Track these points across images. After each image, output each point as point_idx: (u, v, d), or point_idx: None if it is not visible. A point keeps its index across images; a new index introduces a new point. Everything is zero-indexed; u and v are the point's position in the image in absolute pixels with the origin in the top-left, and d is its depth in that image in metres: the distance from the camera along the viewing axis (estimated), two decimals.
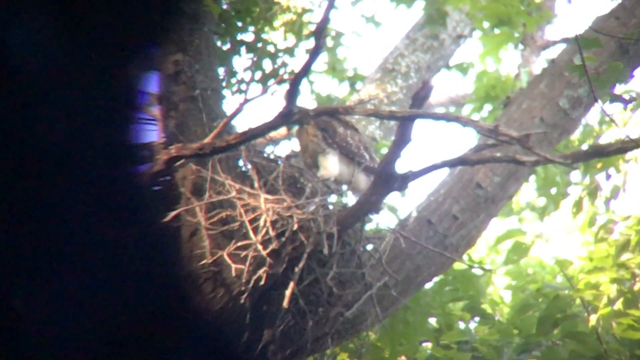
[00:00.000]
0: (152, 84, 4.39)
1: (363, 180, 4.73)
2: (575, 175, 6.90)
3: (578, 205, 6.76)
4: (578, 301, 5.74)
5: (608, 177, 6.67)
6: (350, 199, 4.72)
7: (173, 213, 4.32)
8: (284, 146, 6.95)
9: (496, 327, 5.90)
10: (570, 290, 5.74)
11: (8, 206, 1.87)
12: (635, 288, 5.69)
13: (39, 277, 1.94)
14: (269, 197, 4.37)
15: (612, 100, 4.79)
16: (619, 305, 5.63)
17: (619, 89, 4.82)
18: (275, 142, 6.73)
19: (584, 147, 6.81)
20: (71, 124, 1.91)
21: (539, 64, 7.35)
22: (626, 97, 4.82)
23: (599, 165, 6.63)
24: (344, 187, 4.79)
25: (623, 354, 5.42)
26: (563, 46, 6.26)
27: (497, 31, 6.84)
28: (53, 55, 1.83)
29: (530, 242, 6.36)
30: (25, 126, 1.85)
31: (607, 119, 6.72)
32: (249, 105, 4.72)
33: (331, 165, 4.72)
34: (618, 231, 6.11)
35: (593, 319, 5.55)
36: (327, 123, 4.72)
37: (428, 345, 5.76)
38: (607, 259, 5.89)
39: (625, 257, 5.90)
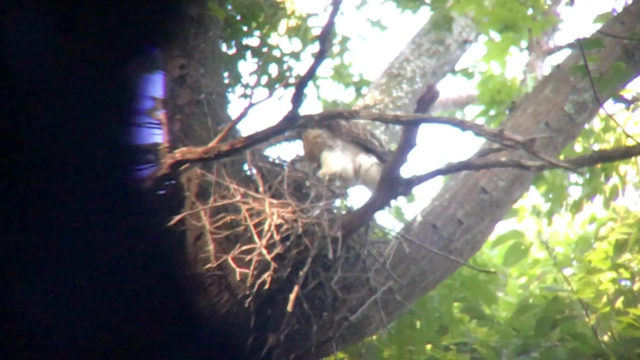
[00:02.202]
0: (157, 88, 4.40)
1: (374, 170, 4.69)
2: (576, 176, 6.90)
3: (577, 205, 6.76)
4: (576, 301, 5.75)
5: (607, 179, 6.66)
6: (355, 203, 4.72)
7: (178, 217, 4.33)
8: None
9: (495, 329, 5.90)
10: (569, 292, 5.74)
11: (11, 208, 1.88)
12: (635, 287, 5.69)
13: (41, 280, 1.94)
14: (274, 201, 4.37)
15: (615, 100, 4.79)
16: (618, 304, 5.63)
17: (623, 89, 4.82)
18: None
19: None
20: (73, 127, 1.91)
21: (544, 69, 7.35)
22: (628, 97, 4.82)
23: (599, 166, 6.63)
24: (350, 182, 4.76)
25: (622, 352, 5.41)
26: (568, 51, 6.25)
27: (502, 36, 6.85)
28: (53, 57, 1.83)
29: (528, 243, 6.35)
30: (27, 128, 1.86)
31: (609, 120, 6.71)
32: (254, 109, 4.73)
33: (332, 161, 4.71)
34: (617, 230, 6.11)
35: (592, 319, 5.55)
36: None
37: (427, 346, 5.76)
38: (606, 260, 5.90)
39: (624, 257, 5.90)
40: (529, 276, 7.40)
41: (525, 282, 7.35)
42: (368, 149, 4.73)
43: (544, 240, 6.53)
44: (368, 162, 4.72)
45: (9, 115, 1.85)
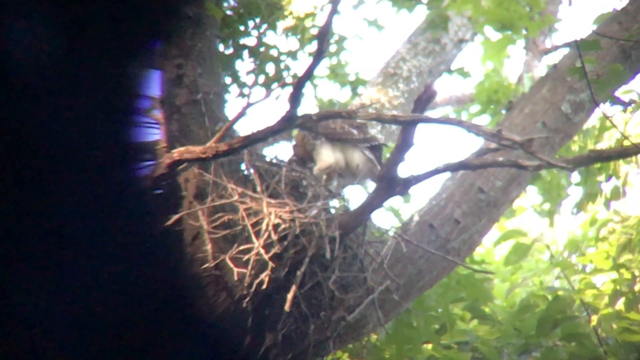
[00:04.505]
0: (155, 88, 4.39)
1: (361, 160, 4.71)
2: (575, 175, 6.90)
3: (579, 205, 6.76)
4: (578, 302, 5.75)
5: (608, 178, 6.66)
6: (352, 204, 4.72)
7: (175, 217, 4.33)
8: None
9: (496, 328, 5.89)
10: (571, 292, 5.74)
11: (9, 208, 1.88)
12: (636, 288, 5.69)
13: (40, 280, 1.94)
14: (271, 201, 4.37)
15: (612, 103, 4.80)
16: (620, 305, 5.63)
17: (619, 90, 4.82)
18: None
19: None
20: (71, 126, 1.91)
21: (541, 69, 7.36)
22: (626, 99, 4.82)
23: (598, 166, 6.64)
24: (347, 176, 4.77)
25: (622, 355, 5.41)
26: (565, 51, 6.26)
27: (499, 36, 6.86)
28: (51, 56, 1.83)
29: (529, 243, 6.35)
30: (25, 128, 1.85)
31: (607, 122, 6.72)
32: (251, 109, 4.72)
33: (324, 155, 4.72)
34: (619, 231, 6.11)
35: (594, 319, 5.55)
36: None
37: (428, 346, 5.76)
38: (607, 260, 5.90)
39: (625, 257, 5.90)
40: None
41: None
42: (349, 140, 4.74)
43: (545, 242, 6.53)
44: (356, 155, 4.73)
45: (7, 114, 1.85)
